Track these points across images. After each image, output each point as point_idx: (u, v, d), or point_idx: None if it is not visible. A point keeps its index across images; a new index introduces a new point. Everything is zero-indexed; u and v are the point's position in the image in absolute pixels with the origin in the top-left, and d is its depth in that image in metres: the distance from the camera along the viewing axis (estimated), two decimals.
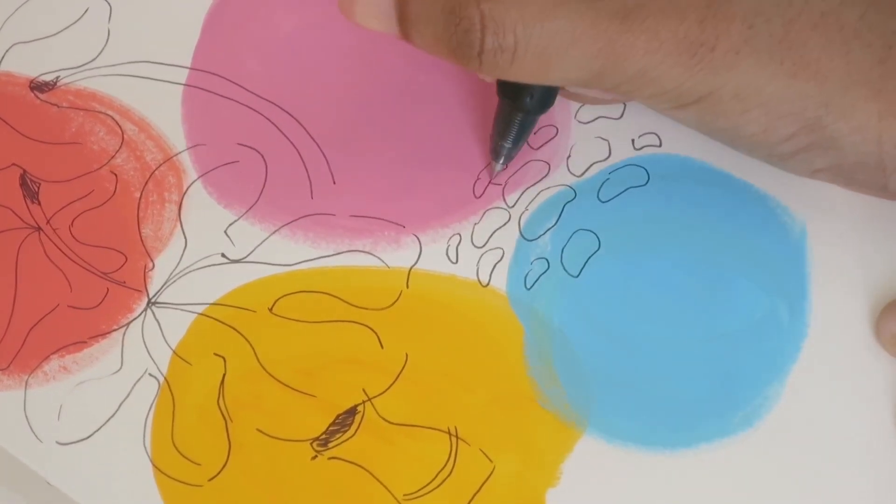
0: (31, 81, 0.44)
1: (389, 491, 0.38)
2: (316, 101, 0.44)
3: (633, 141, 0.42)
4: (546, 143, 0.42)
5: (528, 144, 0.42)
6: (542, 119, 0.42)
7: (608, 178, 0.41)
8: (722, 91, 0.32)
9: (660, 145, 0.42)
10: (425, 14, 0.33)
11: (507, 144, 0.40)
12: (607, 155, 0.42)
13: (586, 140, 0.42)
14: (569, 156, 0.42)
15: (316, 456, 0.39)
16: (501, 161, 0.41)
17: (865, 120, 0.32)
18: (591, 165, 0.42)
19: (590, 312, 0.40)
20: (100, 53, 0.45)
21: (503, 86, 0.38)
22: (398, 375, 0.40)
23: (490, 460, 0.38)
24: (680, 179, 0.41)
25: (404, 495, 0.38)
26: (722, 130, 0.34)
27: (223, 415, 0.39)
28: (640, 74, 0.32)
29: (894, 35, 0.32)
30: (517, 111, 0.39)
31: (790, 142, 0.33)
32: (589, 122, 0.42)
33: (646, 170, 0.41)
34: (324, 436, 0.39)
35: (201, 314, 0.41)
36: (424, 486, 0.38)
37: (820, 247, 0.40)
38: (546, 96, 0.38)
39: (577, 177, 0.42)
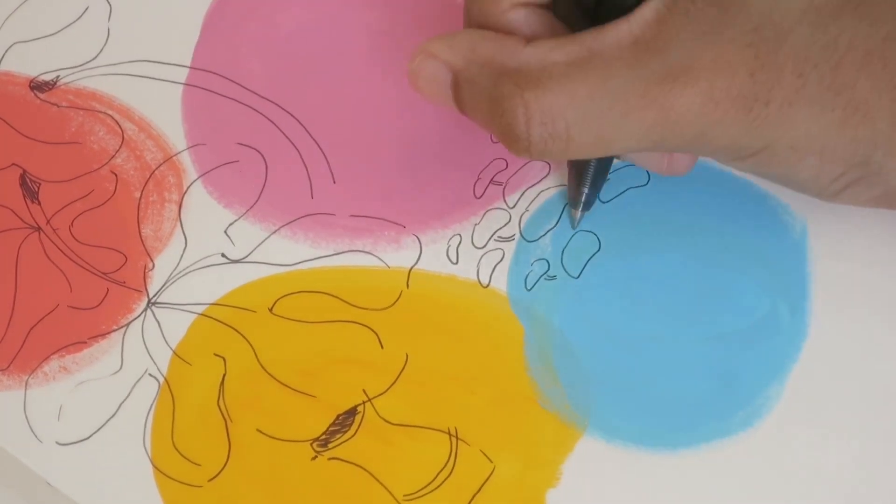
0: (31, 81, 0.44)
1: (389, 491, 0.38)
2: (316, 101, 0.44)
3: None
4: None
5: None
6: None
7: (608, 179, 0.41)
8: (778, 144, 0.32)
9: None
10: (474, 100, 0.33)
11: (586, 190, 0.39)
12: None
13: None
14: None
15: (316, 456, 0.39)
16: (581, 210, 0.40)
17: None
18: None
19: (590, 313, 0.40)
20: (100, 53, 0.45)
21: None
22: (398, 376, 0.40)
23: (490, 461, 0.38)
24: (680, 179, 0.41)
25: (404, 496, 0.38)
26: (775, 176, 0.34)
27: (223, 415, 0.39)
28: (698, 137, 0.32)
29: None
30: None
31: (840, 180, 0.33)
32: None
33: (646, 170, 0.41)
34: (324, 436, 0.39)
35: (201, 314, 0.41)
36: (424, 487, 0.38)
37: (821, 246, 0.40)
38: None
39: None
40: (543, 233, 0.41)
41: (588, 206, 0.40)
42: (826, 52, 0.31)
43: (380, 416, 0.39)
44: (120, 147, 0.43)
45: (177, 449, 0.39)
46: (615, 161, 0.41)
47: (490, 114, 0.33)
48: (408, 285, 0.41)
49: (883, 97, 0.31)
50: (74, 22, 0.45)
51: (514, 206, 0.42)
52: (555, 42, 0.32)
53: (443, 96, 0.35)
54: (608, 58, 0.31)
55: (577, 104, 0.31)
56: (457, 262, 0.41)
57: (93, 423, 0.39)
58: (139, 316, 0.41)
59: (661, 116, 0.31)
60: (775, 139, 0.32)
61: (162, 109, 0.44)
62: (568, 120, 0.31)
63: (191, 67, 0.44)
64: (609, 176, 0.41)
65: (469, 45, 0.33)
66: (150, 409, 0.40)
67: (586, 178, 0.39)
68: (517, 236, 0.41)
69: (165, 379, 0.40)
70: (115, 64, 0.45)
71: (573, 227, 0.41)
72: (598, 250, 0.41)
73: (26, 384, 0.40)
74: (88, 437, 0.39)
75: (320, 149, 0.43)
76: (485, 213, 0.42)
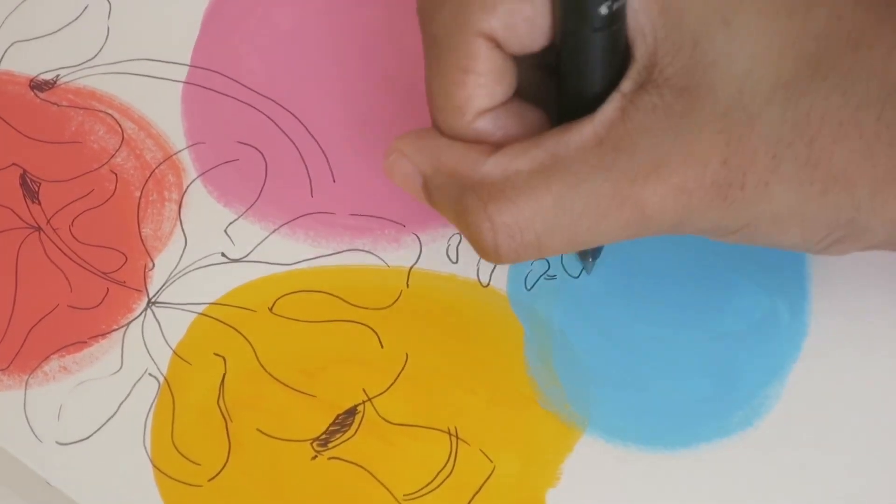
0: (31, 80, 0.44)
1: (389, 491, 0.38)
2: (316, 99, 0.43)
3: None
4: None
5: None
6: None
7: None
8: (759, 220, 0.32)
9: None
10: (443, 206, 0.33)
11: (591, 260, 0.40)
12: None
13: None
14: None
15: (316, 456, 0.39)
16: (593, 259, 0.40)
17: None
18: None
19: (590, 313, 0.40)
20: (99, 51, 0.45)
21: None
22: (398, 375, 0.40)
23: (490, 460, 0.38)
24: None
25: (404, 495, 0.38)
26: (762, 244, 0.34)
27: (223, 415, 0.39)
28: (676, 226, 0.32)
29: None
30: None
31: (825, 241, 0.33)
32: None
33: None
34: (324, 436, 0.39)
35: (201, 314, 0.41)
36: (424, 487, 0.38)
37: None
38: None
39: None
40: None
41: (596, 256, 0.40)
42: (799, 128, 0.31)
43: (380, 416, 0.39)
44: (120, 146, 0.43)
45: (177, 448, 0.39)
46: None
47: (458, 223, 0.33)
48: (408, 284, 0.41)
49: (862, 164, 0.31)
50: (74, 21, 0.45)
51: None
52: (518, 148, 0.32)
53: (417, 194, 0.35)
54: (573, 162, 0.31)
55: (545, 214, 0.31)
56: (457, 262, 0.41)
57: (93, 422, 0.39)
58: (139, 315, 0.41)
59: (635, 214, 0.31)
60: (755, 217, 0.32)
61: (162, 108, 0.44)
62: (537, 230, 0.31)
63: (190, 66, 0.44)
64: None
65: (434, 152, 0.33)
66: (150, 409, 0.40)
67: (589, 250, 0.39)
68: None
69: (165, 379, 0.40)
70: (114, 63, 0.45)
71: (588, 274, 0.40)
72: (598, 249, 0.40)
73: (26, 384, 0.40)
74: (88, 437, 0.39)
75: (320, 147, 0.43)
76: None
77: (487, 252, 0.32)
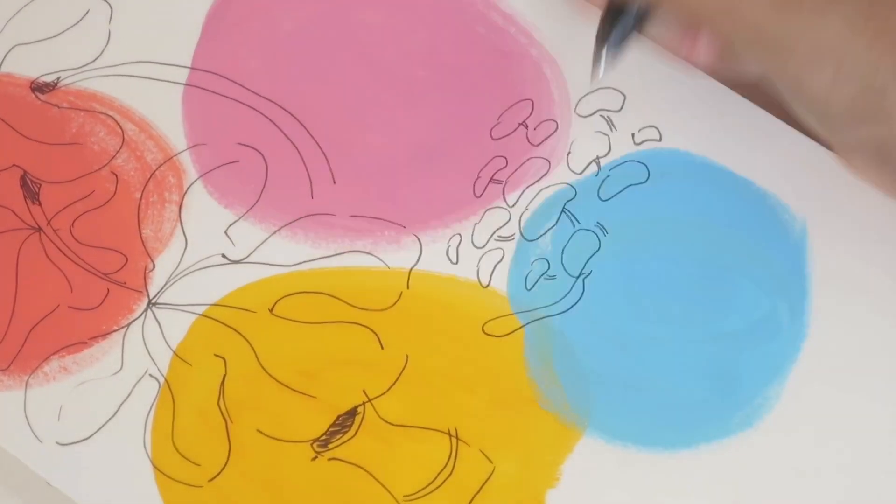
0: (32, 82, 0.44)
1: (389, 492, 0.38)
2: (316, 101, 0.44)
3: (633, 135, 0.42)
4: (546, 138, 0.42)
5: (529, 141, 0.42)
6: (542, 112, 0.42)
7: (608, 176, 0.41)
8: (801, 41, 0.33)
9: (660, 139, 0.41)
10: None
11: (605, 51, 0.39)
12: (607, 150, 0.42)
13: (586, 135, 0.42)
14: (569, 152, 0.42)
15: (316, 457, 0.39)
16: (602, 68, 0.39)
17: None
18: (591, 162, 0.41)
19: (590, 313, 0.40)
20: (100, 54, 0.45)
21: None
22: (398, 376, 0.40)
23: (490, 461, 0.38)
24: (680, 177, 0.41)
25: (404, 496, 0.38)
26: (788, 78, 0.34)
27: (223, 415, 0.39)
28: (729, 7, 0.33)
29: None
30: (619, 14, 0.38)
31: (849, 104, 0.33)
32: (588, 116, 0.42)
33: (646, 166, 0.41)
34: (324, 436, 0.39)
35: (202, 315, 0.41)
36: (425, 487, 0.38)
37: (820, 246, 0.40)
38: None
39: (578, 174, 0.41)
40: (543, 231, 0.41)
41: (609, 65, 0.39)
42: None
43: (380, 417, 0.39)
44: (120, 148, 0.43)
45: (177, 449, 0.39)
46: (615, 157, 0.41)
47: None
48: (408, 286, 0.41)
49: None
50: (76, 24, 0.45)
51: (513, 205, 0.41)
52: None
53: None
54: None
55: None
56: (457, 262, 0.41)
57: (93, 423, 0.39)
58: (139, 316, 0.41)
59: None
60: (799, 35, 0.33)
61: (162, 110, 0.44)
62: None
63: (191, 68, 0.44)
64: (609, 173, 0.41)
65: None
66: (150, 410, 0.40)
67: (609, 36, 0.39)
68: (517, 235, 0.41)
69: (166, 379, 0.40)
70: (115, 65, 0.45)
71: (597, 72, 0.39)
72: (598, 250, 0.40)
73: (26, 384, 0.40)
74: (89, 438, 0.39)
75: (320, 149, 0.43)
76: (484, 213, 0.42)
77: None
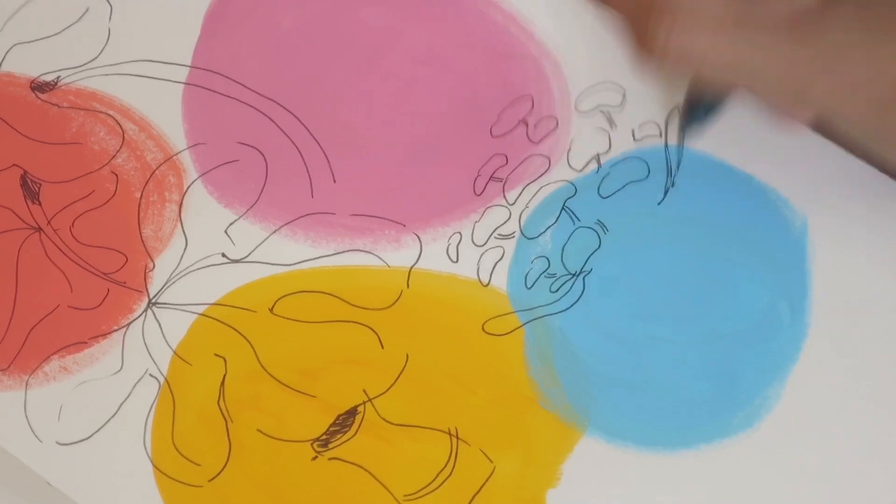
0: (32, 82, 0.44)
1: (390, 491, 0.38)
2: (316, 100, 0.43)
3: (633, 132, 0.41)
4: (546, 136, 0.42)
5: (529, 138, 0.42)
6: (542, 109, 0.42)
7: (608, 173, 0.41)
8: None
9: (660, 135, 0.41)
10: None
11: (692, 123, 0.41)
12: (608, 147, 0.42)
13: (586, 132, 0.42)
14: (569, 149, 0.42)
15: (316, 456, 0.39)
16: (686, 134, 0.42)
17: None
18: (591, 159, 0.41)
19: (590, 313, 0.40)
20: (100, 53, 0.45)
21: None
22: (399, 376, 0.39)
23: (490, 461, 0.38)
24: (680, 173, 0.41)
25: (405, 496, 0.38)
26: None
27: (223, 415, 0.39)
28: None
29: None
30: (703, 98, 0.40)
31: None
32: (589, 112, 0.42)
33: (646, 163, 0.41)
34: (324, 436, 0.39)
35: (202, 314, 0.41)
36: (425, 487, 0.38)
37: (821, 243, 0.40)
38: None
39: (578, 171, 0.41)
40: (544, 229, 0.41)
41: (693, 133, 0.41)
42: None
43: (380, 416, 0.39)
44: (120, 147, 0.43)
45: (177, 449, 0.39)
46: (616, 154, 0.41)
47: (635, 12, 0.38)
48: (408, 284, 0.41)
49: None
50: (75, 23, 0.45)
51: (514, 203, 0.41)
52: None
53: None
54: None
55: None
56: (457, 261, 0.41)
57: (93, 423, 0.40)
58: (140, 316, 0.41)
59: None
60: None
61: (162, 109, 0.44)
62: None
63: (191, 67, 0.44)
64: (609, 170, 0.41)
65: None
66: (150, 410, 0.40)
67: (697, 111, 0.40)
68: (517, 234, 0.41)
69: (166, 379, 0.40)
70: (115, 64, 0.45)
71: (683, 141, 0.42)
72: (598, 248, 0.40)
73: (27, 384, 0.40)
74: (89, 437, 0.39)
75: (320, 148, 0.43)
76: (485, 211, 0.41)
77: (656, 44, 0.36)
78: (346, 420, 0.39)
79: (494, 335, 0.40)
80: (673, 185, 0.41)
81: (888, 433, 0.37)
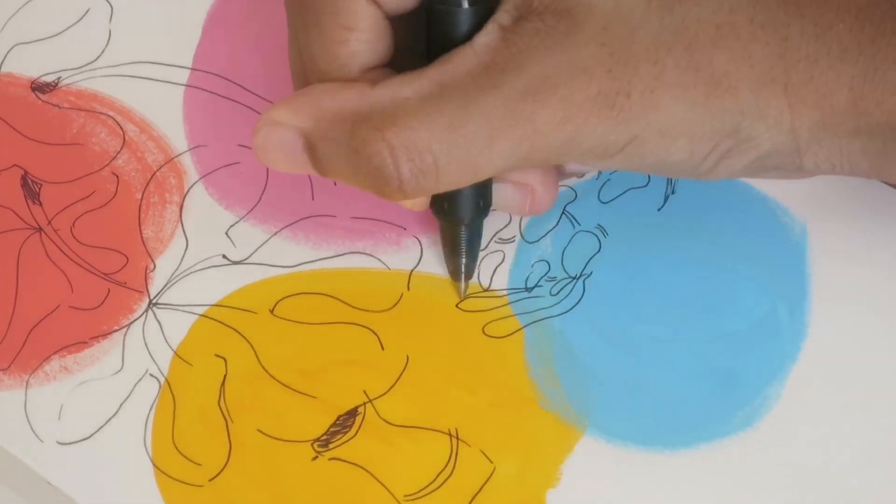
0: (33, 82, 0.45)
1: (390, 492, 0.38)
2: None
3: None
4: None
5: None
6: None
7: (609, 179, 0.42)
8: (646, 133, 0.32)
9: None
10: (333, 156, 0.32)
11: (463, 260, 0.39)
12: None
13: None
14: None
15: (316, 457, 0.39)
16: (465, 280, 0.40)
17: (779, 115, 0.32)
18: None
19: (590, 313, 0.40)
20: (101, 54, 0.45)
21: (436, 204, 0.37)
22: (399, 377, 0.40)
23: (490, 461, 0.38)
24: (680, 180, 0.41)
25: (405, 496, 0.38)
26: (648, 166, 0.34)
27: (224, 415, 0.39)
28: (566, 143, 0.32)
29: (785, 27, 0.32)
30: (459, 224, 0.38)
31: (712, 155, 0.33)
32: None
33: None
34: (324, 437, 0.39)
35: (202, 315, 0.41)
36: (425, 487, 0.38)
37: (820, 247, 0.40)
38: (479, 196, 0.37)
39: (578, 177, 0.42)
40: (544, 233, 0.41)
41: (469, 274, 0.40)
42: (677, 34, 0.32)
43: (380, 417, 0.39)
44: (121, 148, 0.43)
45: (177, 449, 0.39)
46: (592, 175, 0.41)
47: (353, 165, 0.32)
48: (409, 287, 0.41)
49: (741, 66, 0.32)
50: (76, 23, 0.45)
51: None
52: (401, 80, 0.32)
53: (297, 163, 0.33)
54: (461, 85, 0.31)
55: (440, 136, 0.31)
56: None
57: (94, 422, 0.39)
58: (140, 316, 0.41)
59: (527, 130, 0.31)
60: (642, 128, 0.32)
61: (163, 111, 0.44)
62: (434, 152, 0.31)
63: (192, 69, 0.45)
64: (610, 176, 0.42)
65: (313, 102, 0.33)
66: (150, 410, 0.40)
67: (460, 248, 0.39)
68: (517, 237, 0.41)
69: (166, 379, 0.40)
70: (116, 65, 0.45)
71: (460, 297, 0.41)
72: (599, 251, 0.41)
73: (27, 384, 0.40)
74: (89, 437, 0.39)
75: None
76: None
77: (389, 180, 0.32)
78: (346, 421, 0.39)
79: (495, 337, 0.40)
80: (673, 192, 0.42)
81: (888, 433, 0.38)
